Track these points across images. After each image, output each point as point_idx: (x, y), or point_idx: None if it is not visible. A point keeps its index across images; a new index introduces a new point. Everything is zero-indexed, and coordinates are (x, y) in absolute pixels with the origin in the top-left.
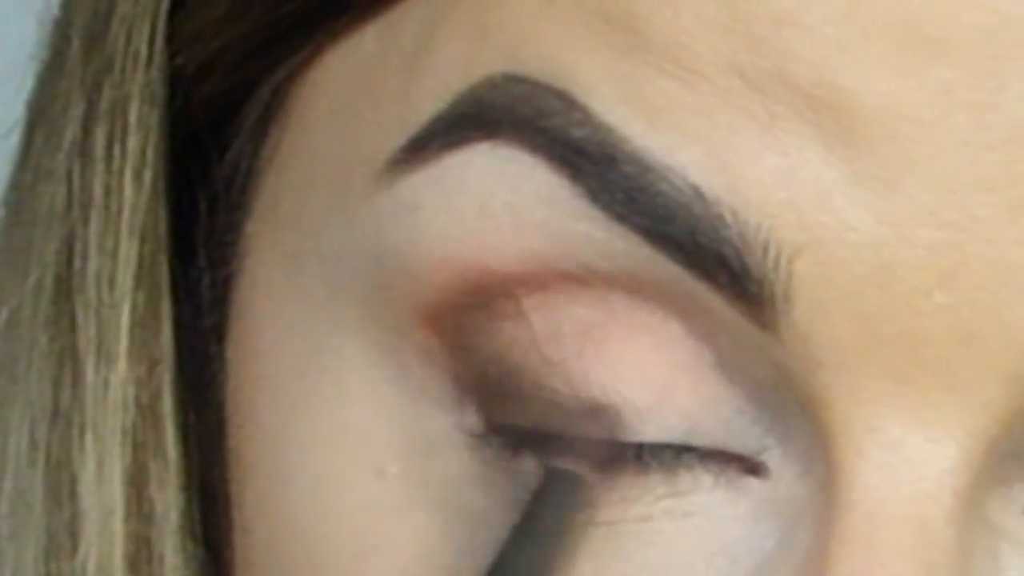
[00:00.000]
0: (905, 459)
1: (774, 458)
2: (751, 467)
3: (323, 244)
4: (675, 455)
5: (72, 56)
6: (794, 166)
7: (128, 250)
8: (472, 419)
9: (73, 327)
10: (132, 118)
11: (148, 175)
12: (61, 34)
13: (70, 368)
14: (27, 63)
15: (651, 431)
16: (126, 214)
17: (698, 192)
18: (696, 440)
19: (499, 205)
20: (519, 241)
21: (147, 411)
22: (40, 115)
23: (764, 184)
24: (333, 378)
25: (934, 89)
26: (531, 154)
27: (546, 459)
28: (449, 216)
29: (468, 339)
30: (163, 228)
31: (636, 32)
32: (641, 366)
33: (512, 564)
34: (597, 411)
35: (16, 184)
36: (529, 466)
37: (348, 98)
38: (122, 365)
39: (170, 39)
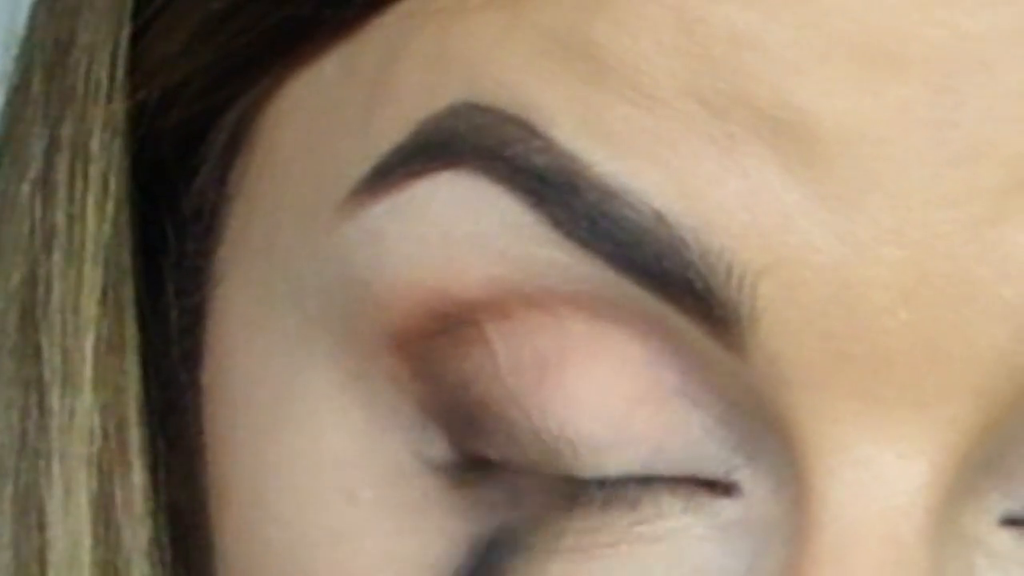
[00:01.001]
0: (875, 477)
1: (745, 478)
2: (722, 488)
3: (292, 273)
4: (640, 484)
5: (35, 84)
6: (755, 188)
7: (92, 279)
8: (437, 447)
9: (38, 357)
10: (94, 148)
11: (111, 205)
12: (26, 58)
13: (36, 398)
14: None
15: (611, 466)
16: (89, 244)
17: (660, 217)
18: (660, 467)
19: (461, 233)
20: (482, 268)
21: (113, 439)
22: (6, 142)
23: (726, 207)
24: (306, 405)
25: (893, 107)
26: (494, 183)
27: (511, 492)
28: (412, 245)
29: (434, 366)
30: (127, 257)
31: (595, 59)
32: (599, 398)
33: None
34: (555, 448)
35: None
36: (496, 496)
37: (312, 127)
38: (87, 393)
39: (132, 69)
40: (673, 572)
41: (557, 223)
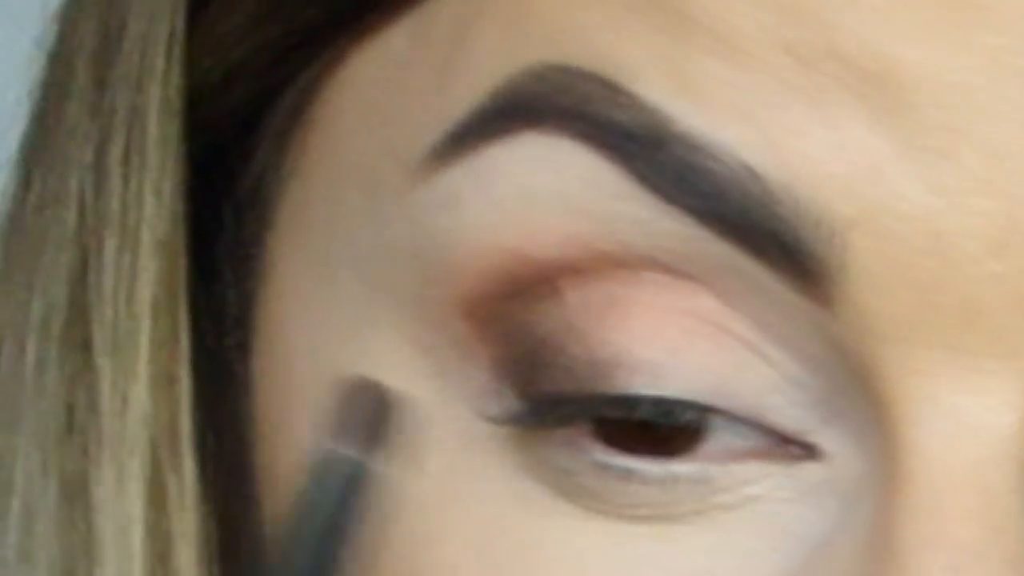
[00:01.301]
0: (965, 427)
1: (826, 439)
2: (802, 450)
3: (357, 246)
4: (717, 461)
5: (78, 83)
6: (843, 139)
7: (147, 267)
8: (505, 402)
9: (87, 347)
10: (151, 131)
11: (167, 191)
12: (62, 65)
13: (85, 388)
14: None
15: (668, 387)
16: (145, 231)
17: (749, 169)
18: (722, 403)
19: (541, 192)
20: (561, 226)
21: (166, 429)
22: (40, 149)
23: (814, 158)
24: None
25: (982, 56)
26: (576, 141)
27: (578, 431)
28: (490, 205)
29: (505, 325)
30: (182, 244)
31: (680, 13)
32: (658, 329)
33: None
34: (609, 374)
35: (14, 220)
36: (561, 442)
37: (378, 98)
38: (142, 382)
39: (189, 50)
40: (762, 535)
41: (642, 178)
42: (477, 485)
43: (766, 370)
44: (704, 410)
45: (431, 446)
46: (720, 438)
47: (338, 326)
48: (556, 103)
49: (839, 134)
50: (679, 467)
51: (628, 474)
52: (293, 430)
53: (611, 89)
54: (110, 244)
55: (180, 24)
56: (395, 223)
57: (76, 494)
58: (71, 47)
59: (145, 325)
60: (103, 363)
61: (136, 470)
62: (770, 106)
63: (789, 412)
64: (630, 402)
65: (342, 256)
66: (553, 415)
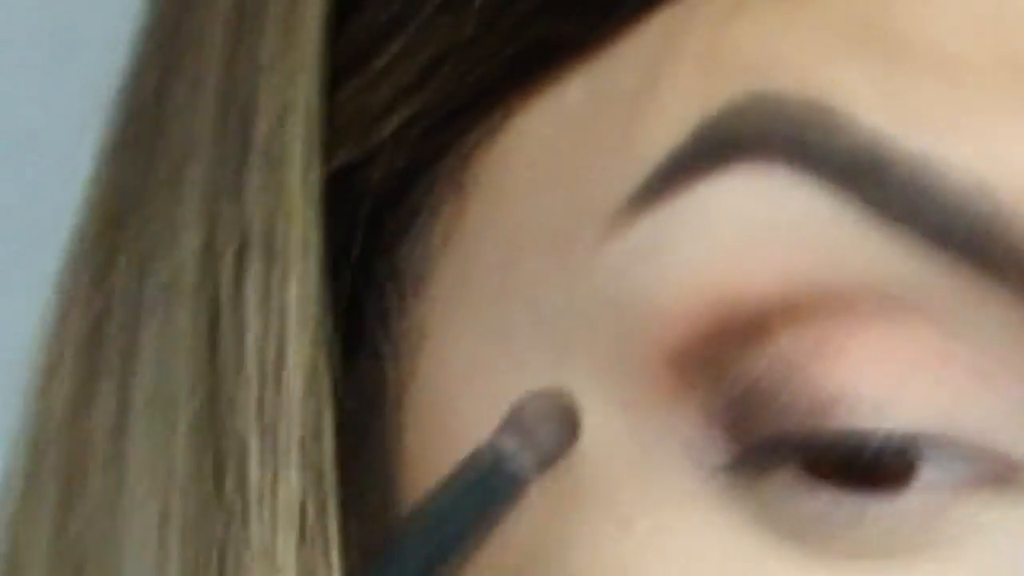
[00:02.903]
0: None
1: None
2: None
3: (540, 309)
4: (947, 491)
5: (191, 165)
6: None
7: (295, 351)
8: (718, 448)
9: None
10: (293, 219)
11: (312, 272)
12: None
13: (214, 484)
14: None
15: (893, 420)
16: (291, 315)
17: (981, 184)
18: (949, 434)
19: (758, 227)
20: (779, 260)
21: (314, 520)
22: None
23: None
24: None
25: None
26: (792, 171)
27: (793, 472)
28: (700, 247)
29: (715, 370)
30: (329, 322)
31: (895, 35)
32: (880, 362)
33: None
34: (831, 409)
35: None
36: (778, 484)
37: (554, 156)
38: (293, 478)
39: (327, 129)
40: (991, 568)
41: (868, 203)
42: (692, 541)
43: (991, 397)
44: (927, 443)
45: (635, 504)
46: (942, 468)
47: (516, 389)
48: (769, 133)
49: None
50: (909, 501)
51: (861, 512)
52: None
53: (829, 115)
54: (251, 333)
55: (316, 99)
56: (589, 279)
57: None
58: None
59: (297, 418)
60: (255, 450)
61: (290, 562)
62: (998, 123)
63: (1016, 438)
64: (855, 437)
65: (522, 322)
66: (771, 456)
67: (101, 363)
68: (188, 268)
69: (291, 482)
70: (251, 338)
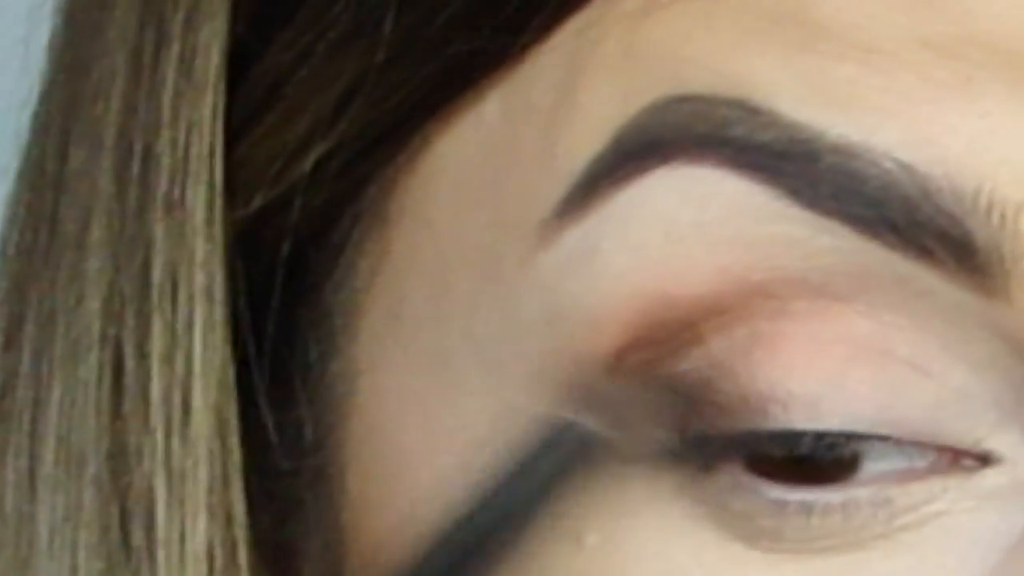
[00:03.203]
0: None
1: (1003, 442)
2: (979, 459)
3: (476, 331)
4: (893, 482)
5: (96, 217)
6: (996, 125)
7: (199, 401)
8: (663, 444)
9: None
10: (197, 263)
11: (218, 319)
12: (59, 184)
13: (122, 536)
14: None
15: (827, 419)
16: (197, 363)
17: (908, 168)
18: (885, 429)
19: (685, 227)
20: (708, 260)
21: (224, 573)
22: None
23: (972, 148)
24: (509, 463)
25: None
26: (716, 168)
27: (743, 477)
28: (629, 252)
29: (647, 371)
30: (232, 374)
31: (811, 24)
32: (812, 359)
33: None
34: (764, 408)
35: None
36: (724, 483)
37: (474, 176)
38: (201, 525)
39: (232, 176)
40: (950, 550)
41: (796, 194)
42: (643, 548)
43: (930, 386)
44: (866, 439)
45: (582, 518)
46: (886, 459)
47: (464, 419)
48: (691, 133)
49: (992, 120)
50: (856, 492)
51: (808, 507)
52: (418, 535)
53: (751, 111)
54: (157, 382)
55: (219, 146)
56: (521, 295)
57: None
58: (62, 173)
59: (203, 454)
60: (162, 503)
61: None
62: (919, 103)
63: (958, 425)
64: (790, 438)
65: (457, 347)
66: (712, 453)
67: (11, 428)
68: (93, 324)
69: (199, 528)
70: (155, 387)
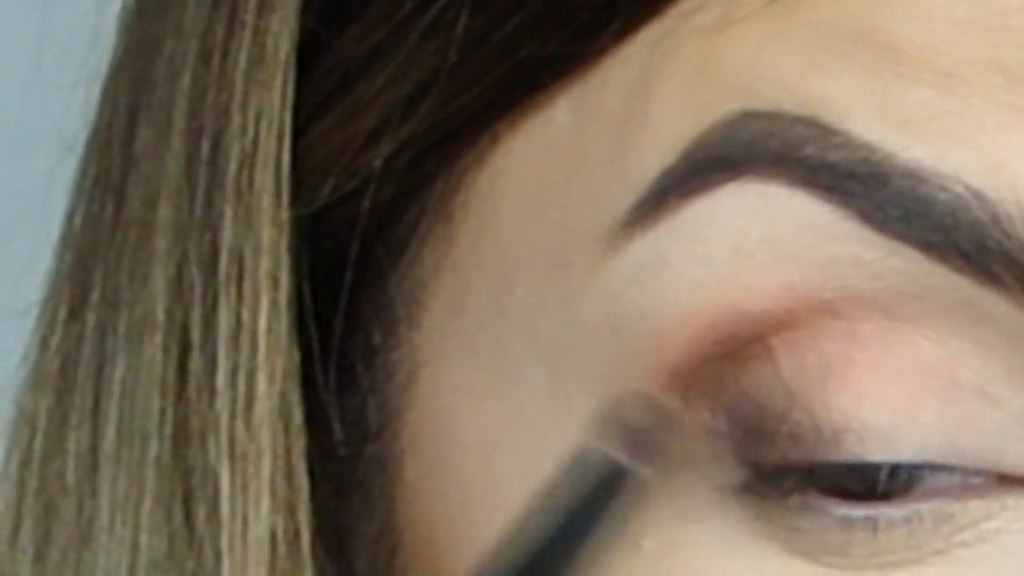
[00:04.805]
0: None
1: None
2: None
3: (537, 333)
4: (952, 498)
5: (162, 199)
6: None
7: (264, 388)
8: (731, 472)
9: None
10: (263, 252)
11: (282, 304)
12: (129, 177)
13: (184, 518)
14: None
15: (901, 451)
16: (261, 345)
17: (978, 194)
18: (954, 459)
19: (754, 243)
20: (777, 276)
21: (287, 557)
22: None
23: None
24: (566, 465)
25: None
26: (788, 186)
27: (810, 497)
28: (696, 265)
29: (712, 388)
30: (297, 357)
31: (884, 46)
32: (884, 390)
33: None
34: (837, 440)
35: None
36: (788, 503)
37: (542, 179)
38: (264, 509)
39: (300, 164)
40: (1006, 569)
41: (865, 217)
42: (701, 560)
43: (995, 415)
44: (932, 467)
45: (642, 525)
46: (947, 478)
47: (522, 418)
48: (763, 150)
49: None
50: (920, 506)
51: (874, 522)
52: (471, 528)
53: (823, 130)
54: (223, 365)
55: (287, 136)
56: (585, 301)
57: None
58: (137, 165)
59: (266, 441)
60: (227, 489)
61: None
62: (990, 129)
63: (1019, 449)
64: (865, 469)
65: (517, 348)
66: (779, 482)
67: (74, 400)
68: (159, 303)
69: (262, 513)
70: (221, 372)
